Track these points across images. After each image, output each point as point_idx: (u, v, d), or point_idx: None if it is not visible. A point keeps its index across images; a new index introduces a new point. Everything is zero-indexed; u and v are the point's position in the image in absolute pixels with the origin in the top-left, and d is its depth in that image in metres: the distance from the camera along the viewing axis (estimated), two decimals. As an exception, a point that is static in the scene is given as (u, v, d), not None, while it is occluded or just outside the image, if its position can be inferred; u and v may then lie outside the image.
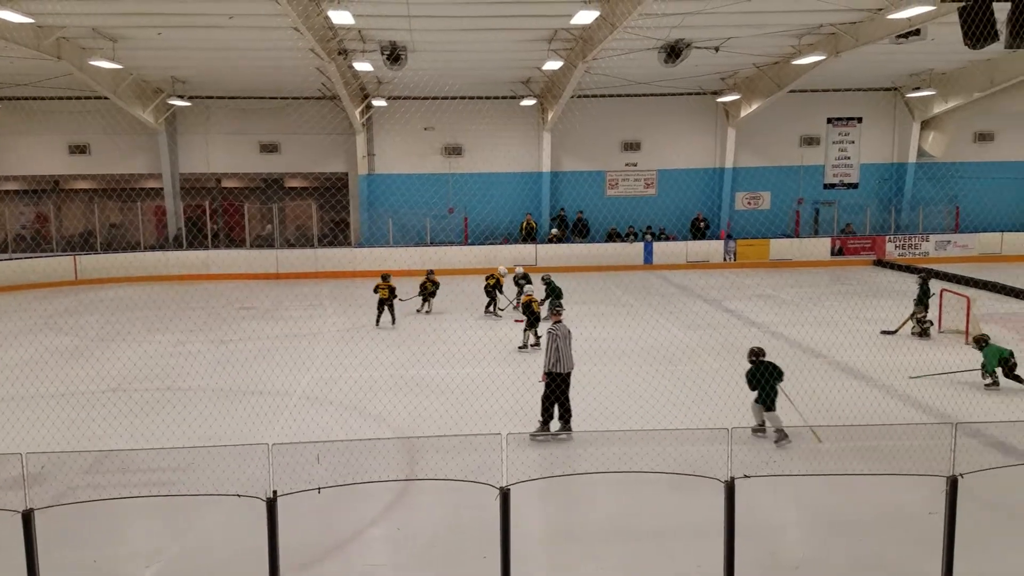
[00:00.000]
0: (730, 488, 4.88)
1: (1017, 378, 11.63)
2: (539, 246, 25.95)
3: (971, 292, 16.10)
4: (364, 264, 24.68)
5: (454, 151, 27.25)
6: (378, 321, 16.74)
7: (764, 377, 9.59)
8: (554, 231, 26.85)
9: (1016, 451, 8.81)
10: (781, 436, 9.14)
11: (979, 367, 11.89)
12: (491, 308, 17.93)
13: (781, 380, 9.70)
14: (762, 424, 9.39)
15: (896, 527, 7.25)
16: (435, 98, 24.77)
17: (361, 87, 24.84)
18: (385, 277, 16.99)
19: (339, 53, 19.42)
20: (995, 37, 11.36)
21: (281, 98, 26.02)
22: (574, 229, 27.09)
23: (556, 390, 9.73)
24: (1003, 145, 28.01)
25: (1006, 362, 11.68)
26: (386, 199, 26.64)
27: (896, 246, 26.50)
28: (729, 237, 27.04)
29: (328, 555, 6.95)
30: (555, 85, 23.76)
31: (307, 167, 27.63)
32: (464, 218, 26.78)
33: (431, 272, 18.64)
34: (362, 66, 20.06)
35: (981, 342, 11.89)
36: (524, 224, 26.77)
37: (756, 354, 9.91)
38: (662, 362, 13.40)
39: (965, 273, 20.78)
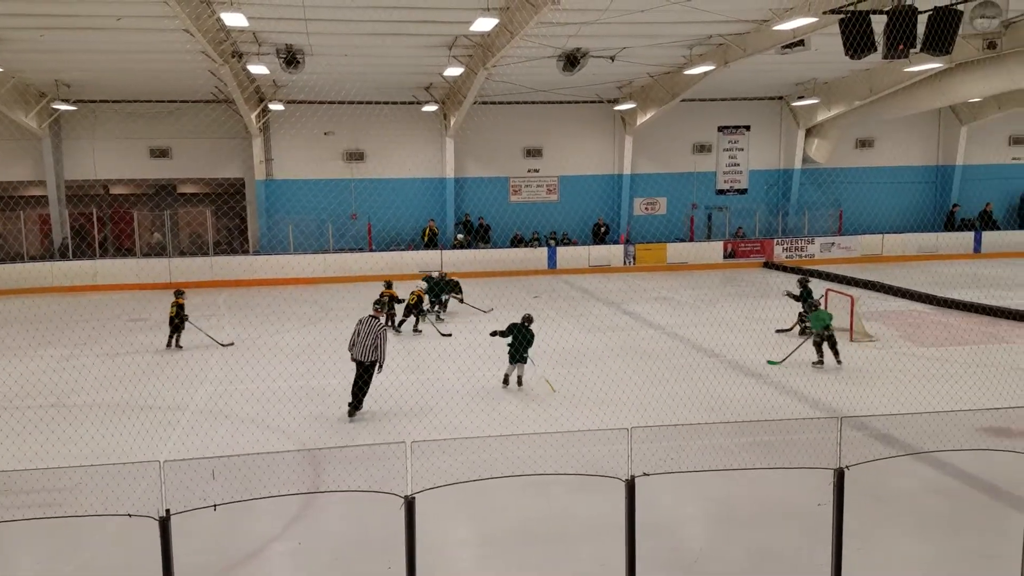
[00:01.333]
0: (630, 487, 4.99)
1: (836, 352, 13.06)
2: (444, 251, 25.89)
3: (855, 291, 16.99)
4: (263, 272, 24.06)
5: (356, 156, 26.90)
6: (403, 325, 16.72)
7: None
8: (459, 236, 26.84)
9: (899, 443, 9.33)
10: None
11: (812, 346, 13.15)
12: (394, 324, 16.80)
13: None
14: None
15: (789, 518, 7.57)
16: (334, 102, 24.44)
17: (257, 90, 24.22)
18: (388, 284, 16.98)
19: (233, 56, 18.89)
20: (873, 48, 11.98)
21: (172, 101, 25.11)
22: (477, 235, 27.16)
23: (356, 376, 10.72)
24: (882, 151, 29.66)
25: (826, 328, 12.95)
26: (286, 205, 26.01)
27: (784, 249, 27.68)
28: (628, 242, 27.66)
29: (226, 574, 6.73)
30: (457, 91, 23.81)
31: (201, 172, 26.70)
32: (367, 224, 26.46)
33: (389, 284, 17.30)
34: (257, 69, 19.57)
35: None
36: (427, 230, 26.64)
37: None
38: (567, 364, 13.57)
39: (849, 274, 21.90)
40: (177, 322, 15.28)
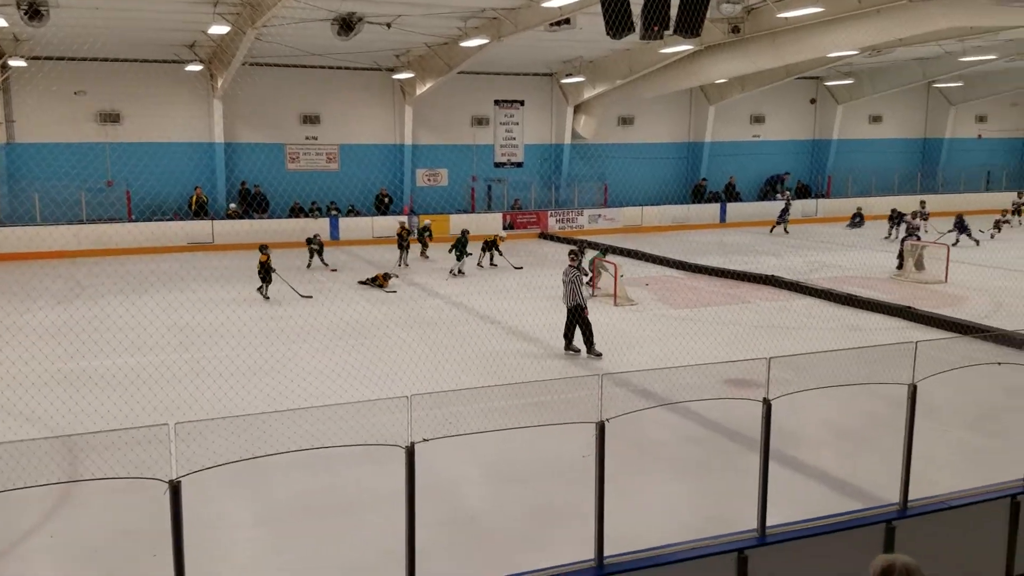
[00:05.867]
0: (410, 453, 5.09)
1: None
2: (216, 222, 24.54)
3: (619, 260, 18.23)
4: (7, 245, 21.55)
5: (111, 118, 24.66)
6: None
7: None
8: (232, 206, 25.52)
9: (655, 396, 10.21)
10: None
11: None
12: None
13: None
14: None
15: (559, 472, 8.08)
16: (85, 59, 22.22)
17: (-8, 44, 21.46)
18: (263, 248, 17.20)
19: (-41, 2, 16.60)
20: (632, 28, 12.66)
21: None
22: (252, 203, 25.93)
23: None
24: (641, 128, 31.77)
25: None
26: (31, 171, 23.28)
27: (557, 220, 29.01)
28: (412, 212, 27.71)
29: (-31, 580, 6.11)
30: (224, 51, 22.43)
31: (-79, 134, 23.35)
32: (126, 192, 24.42)
33: (264, 247, 17.64)
34: (-8, 20, 17.34)
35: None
36: (193, 198, 25.07)
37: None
38: (352, 336, 13.47)
39: (613, 243, 23.38)
40: None
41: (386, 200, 27.65)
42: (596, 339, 12.54)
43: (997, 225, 26.12)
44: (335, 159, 27.80)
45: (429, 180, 29.15)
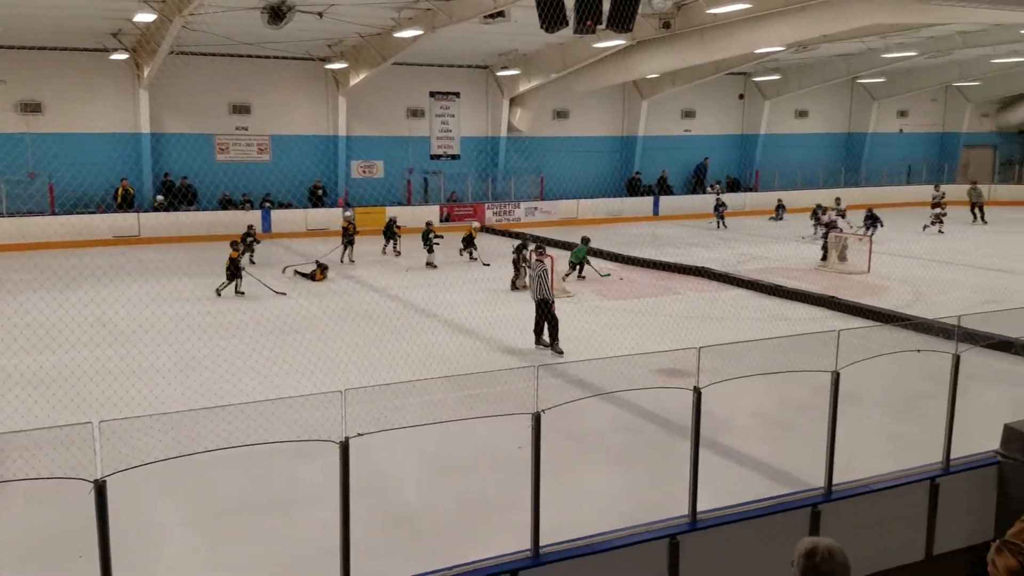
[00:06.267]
0: (344, 448, 5.06)
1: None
2: (142, 215, 23.83)
3: (555, 252, 18.34)
4: (-81, 240, 20.59)
5: (32, 108, 23.71)
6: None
7: None
8: (159, 198, 24.82)
9: (591, 386, 10.32)
10: None
11: None
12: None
13: None
14: None
15: (496, 464, 8.11)
16: (4, 47, 21.35)
17: None
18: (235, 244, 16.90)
19: None
20: (565, 22, 12.77)
21: None
22: (180, 196, 25.25)
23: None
24: (576, 122, 32.00)
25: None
26: (-56, 163, 22.33)
27: (494, 213, 29.05)
28: (347, 205, 27.38)
29: None
30: (150, 39, 21.77)
31: None
32: (49, 184, 23.51)
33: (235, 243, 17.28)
34: None
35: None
36: (120, 190, 24.30)
37: None
38: (284, 331, 13.26)
39: (550, 235, 23.54)
40: None
41: (320, 192, 27.26)
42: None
43: (939, 219, 26.09)
44: (266, 150, 27.27)
45: (364, 172, 28.83)
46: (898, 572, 6.53)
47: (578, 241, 19.05)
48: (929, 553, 6.73)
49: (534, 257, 13.14)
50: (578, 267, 18.66)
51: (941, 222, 26.15)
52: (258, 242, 20.33)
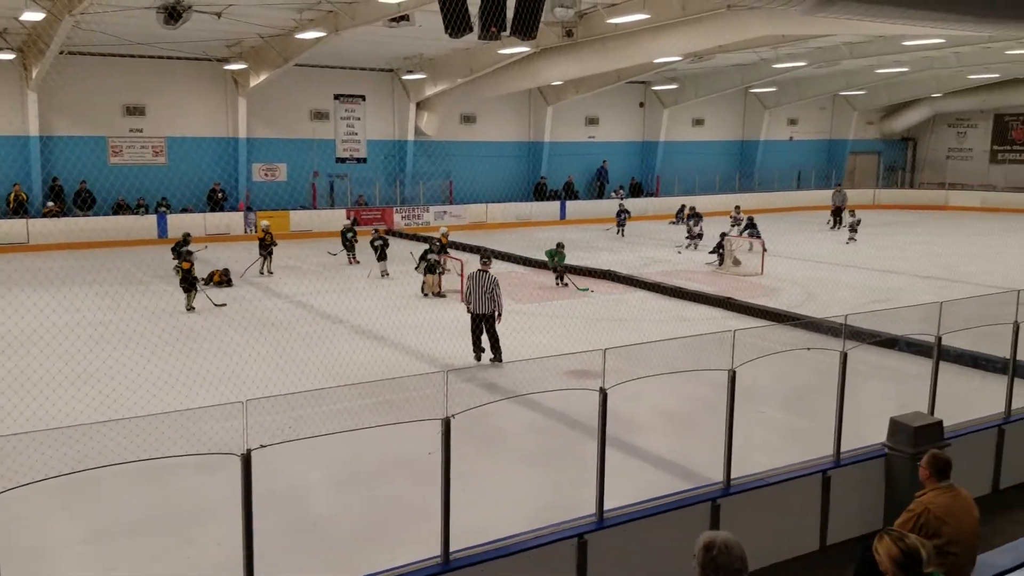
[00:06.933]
0: (246, 460, 4.95)
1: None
2: (30, 221, 22.64)
3: (464, 256, 18.39)
4: None
5: (-95, 110, 22.23)
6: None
7: None
8: (50, 204, 23.61)
9: (501, 389, 10.42)
10: None
11: None
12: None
13: None
14: None
15: (407, 471, 8.08)
16: None
17: None
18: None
19: None
20: (470, 28, 12.80)
21: None
22: (76, 201, 24.08)
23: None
24: (484, 126, 32.14)
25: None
26: None
27: (403, 217, 28.87)
28: (249, 209, 26.70)
29: None
30: (39, 39, 20.70)
31: None
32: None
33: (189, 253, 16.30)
34: None
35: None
36: (11, 196, 23.02)
37: None
38: (183, 341, 12.83)
39: (460, 240, 23.56)
40: None
41: (219, 195, 26.48)
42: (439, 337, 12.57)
43: (852, 228, 26.15)
44: (162, 152, 26.34)
45: (267, 175, 28.18)
46: (794, 562, 6.84)
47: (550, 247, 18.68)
48: (823, 543, 7.07)
49: (478, 267, 12.39)
50: (558, 274, 18.33)
51: (855, 230, 26.13)
52: (275, 244, 19.78)
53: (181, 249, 17.07)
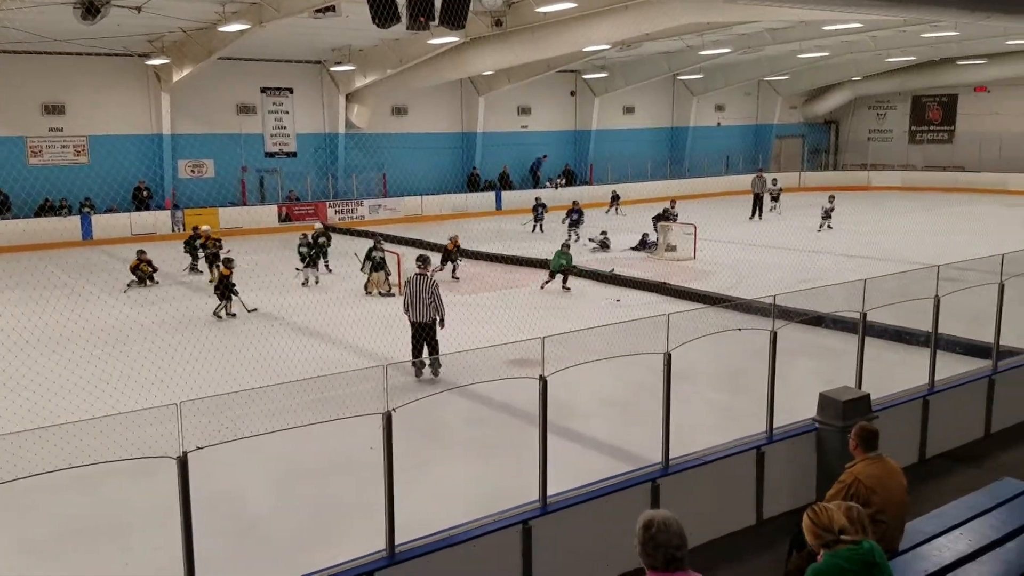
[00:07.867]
0: (183, 463, 4.88)
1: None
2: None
3: (401, 249, 18.28)
4: None
5: None
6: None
7: None
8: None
9: (442, 381, 10.42)
10: None
11: None
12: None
13: None
14: None
15: (349, 467, 8.03)
16: None
17: None
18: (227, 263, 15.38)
19: None
20: (398, 18, 12.69)
21: None
22: (-4, 205, 23.16)
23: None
24: (415, 118, 31.85)
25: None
26: None
27: (336, 211, 28.50)
28: (176, 207, 26.03)
29: None
30: (-55, 35, 19.79)
31: None
32: None
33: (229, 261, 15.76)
34: None
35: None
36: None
37: None
38: (111, 344, 12.47)
39: (395, 233, 23.41)
40: None
41: (144, 194, 25.75)
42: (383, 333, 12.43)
43: (827, 214, 25.53)
44: (84, 151, 25.48)
45: (193, 172, 27.49)
46: (733, 537, 7.04)
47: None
48: (759, 517, 7.29)
49: (416, 271, 11.36)
50: (563, 276, 16.86)
51: (829, 216, 25.44)
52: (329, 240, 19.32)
53: (215, 253, 17.24)
